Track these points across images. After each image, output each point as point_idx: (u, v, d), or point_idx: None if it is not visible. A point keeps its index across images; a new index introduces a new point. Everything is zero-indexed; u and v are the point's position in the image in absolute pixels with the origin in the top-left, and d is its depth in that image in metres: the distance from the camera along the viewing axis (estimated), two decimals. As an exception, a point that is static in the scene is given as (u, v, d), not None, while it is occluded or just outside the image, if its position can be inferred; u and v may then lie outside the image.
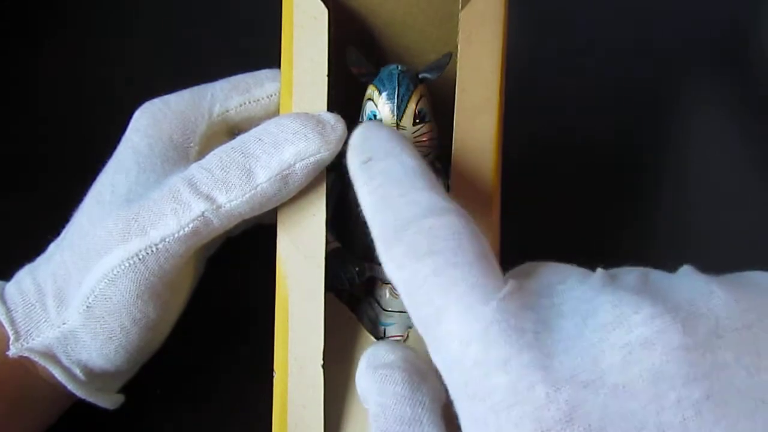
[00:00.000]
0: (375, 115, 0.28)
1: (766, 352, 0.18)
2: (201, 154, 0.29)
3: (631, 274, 0.21)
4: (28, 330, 0.27)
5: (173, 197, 0.26)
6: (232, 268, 0.35)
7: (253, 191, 0.26)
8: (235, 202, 0.26)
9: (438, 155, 0.29)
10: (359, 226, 0.30)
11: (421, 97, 0.28)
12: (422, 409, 0.21)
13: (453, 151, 0.27)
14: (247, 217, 0.27)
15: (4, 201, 0.38)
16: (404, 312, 0.30)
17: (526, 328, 0.19)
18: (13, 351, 0.27)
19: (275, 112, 0.30)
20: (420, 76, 0.28)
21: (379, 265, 0.29)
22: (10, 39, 0.44)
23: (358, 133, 0.24)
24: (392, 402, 0.21)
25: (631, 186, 0.40)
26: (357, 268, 0.29)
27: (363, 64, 0.29)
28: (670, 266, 0.22)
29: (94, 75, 0.42)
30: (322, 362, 0.26)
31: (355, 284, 0.29)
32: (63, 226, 0.29)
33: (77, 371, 0.28)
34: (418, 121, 0.28)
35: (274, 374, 0.27)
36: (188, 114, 0.30)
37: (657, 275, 0.21)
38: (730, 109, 0.43)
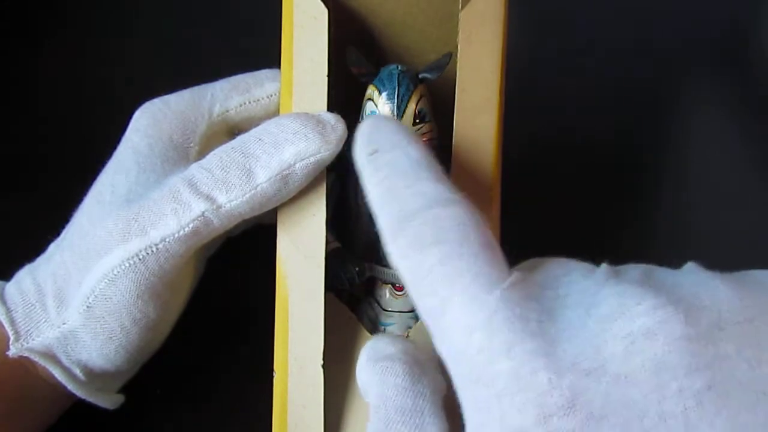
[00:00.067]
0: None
1: (767, 346, 0.18)
2: (201, 154, 0.29)
3: (635, 269, 0.21)
4: (28, 330, 0.27)
5: (173, 197, 0.26)
6: (232, 268, 0.35)
7: (253, 191, 0.26)
8: (235, 202, 0.26)
9: (438, 155, 0.29)
10: (359, 226, 0.30)
11: (421, 97, 0.28)
12: (423, 400, 0.21)
13: (453, 151, 0.27)
14: (247, 217, 0.27)
15: (4, 201, 0.38)
16: (404, 312, 0.30)
17: (530, 317, 0.19)
18: (13, 351, 0.27)
19: (275, 112, 0.30)
20: (420, 76, 0.28)
21: (379, 265, 0.30)
22: (10, 39, 0.44)
23: (365, 125, 0.24)
24: (393, 393, 0.21)
25: (631, 186, 0.40)
26: (357, 268, 0.29)
27: (363, 64, 0.29)
28: (670, 266, 0.22)
29: (94, 75, 0.42)
30: (322, 362, 0.26)
31: (355, 284, 0.29)
32: (63, 226, 0.29)
33: (77, 371, 0.28)
34: (418, 121, 0.28)
35: (274, 374, 0.27)
36: (188, 114, 0.30)
37: (661, 271, 0.21)
38: (730, 109, 0.43)
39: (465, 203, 0.21)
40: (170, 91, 0.31)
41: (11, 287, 0.29)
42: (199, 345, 0.34)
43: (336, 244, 0.29)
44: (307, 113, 0.27)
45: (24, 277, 0.29)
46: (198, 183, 0.26)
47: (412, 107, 0.28)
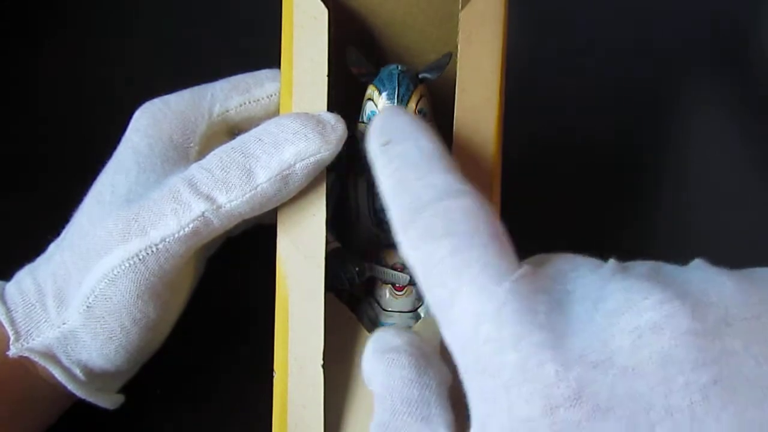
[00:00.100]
0: (375, 115, 0.28)
1: None
2: (201, 154, 0.29)
3: (642, 265, 0.21)
4: (28, 330, 0.27)
5: (173, 197, 0.26)
6: (232, 268, 0.35)
7: (253, 191, 0.26)
8: (235, 202, 0.26)
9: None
10: (359, 226, 0.30)
11: (421, 97, 0.28)
12: (429, 391, 0.21)
13: (453, 151, 0.27)
14: (247, 217, 0.27)
15: (4, 201, 0.38)
16: (404, 312, 0.30)
17: (539, 310, 0.19)
18: (13, 351, 0.27)
19: (275, 112, 0.30)
20: (420, 76, 0.28)
21: (379, 265, 0.30)
22: (10, 39, 0.44)
23: (378, 117, 0.24)
24: (399, 385, 0.21)
25: (631, 186, 0.40)
26: (357, 268, 0.29)
27: (363, 64, 0.29)
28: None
29: (94, 75, 0.42)
30: (322, 362, 0.26)
31: (355, 284, 0.29)
32: (63, 226, 0.29)
33: (77, 371, 0.28)
34: (418, 121, 0.28)
35: (274, 374, 0.27)
36: (188, 114, 0.30)
37: (668, 267, 0.21)
38: (730, 109, 0.43)
39: (476, 195, 0.21)
40: (170, 91, 0.31)
41: (11, 287, 0.29)
42: (199, 345, 0.34)
43: (336, 244, 0.29)
44: (307, 113, 0.27)
45: (24, 277, 0.29)
46: (198, 183, 0.26)
47: (412, 107, 0.28)
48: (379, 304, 0.30)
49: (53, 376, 0.28)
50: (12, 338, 0.27)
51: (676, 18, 0.45)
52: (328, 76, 0.27)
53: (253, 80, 0.31)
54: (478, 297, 0.19)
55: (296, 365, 0.26)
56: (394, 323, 0.30)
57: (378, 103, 0.28)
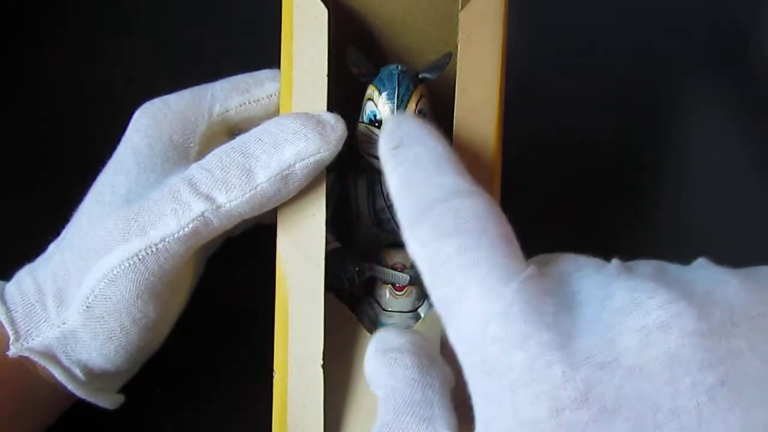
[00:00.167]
0: (375, 115, 0.28)
1: None
2: (201, 154, 0.29)
3: (646, 265, 0.21)
4: (28, 330, 0.27)
5: (173, 197, 0.26)
6: (232, 268, 0.35)
7: (252, 191, 0.26)
8: (235, 202, 0.26)
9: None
10: (359, 226, 0.30)
11: (421, 97, 0.28)
12: (432, 391, 0.21)
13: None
14: (247, 217, 0.27)
15: (4, 201, 0.38)
16: (404, 312, 0.30)
17: (546, 310, 0.19)
18: (13, 351, 0.27)
19: (275, 112, 0.30)
20: (420, 76, 0.28)
21: (380, 265, 0.30)
22: (10, 39, 0.44)
23: (389, 122, 0.24)
24: (402, 385, 0.21)
25: (631, 186, 0.40)
26: (357, 268, 0.29)
27: (363, 64, 0.29)
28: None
29: (94, 75, 0.42)
30: (322, 362, 0.26)
31: (355, 284, 0.29)
32: (63, 226, 0.29)
33: (77, 371, 0.28)
34: (418, 121, 0.28)
35: (274, 374, 0.27)
36: (188, 114, 0.30)
37: (672, 267, 0.21)
38: (730, 109, 0.43)
39: (485, 195, 0.21)
40: (170, 91, 0.31)
41: (11, 287, 0.29)
42: (199, 345, 0.34)
43: (336, 244, 0.29)
44: (307, 113, 0.27)
45: (24, 277, 0.29)
46: (198, 183, 0.26)
47: (412, 107, 0.28)
48: (379, 304, 0.30)
49: (53, 376, 0.28)
50: (12, 338, 0.27)
51: (676, 18, 0.45)
52: (328, 76, 0.27)
53: (253, 80, 0.31)
54: (486, 297, 0.19)
55: (296, 365, 0.26)
56: (394, 323, 0.30)
57: (378, 103, 0.28)
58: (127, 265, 0.26)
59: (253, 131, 0.27)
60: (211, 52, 0.43)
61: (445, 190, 0.21)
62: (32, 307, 0.28)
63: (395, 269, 0.30)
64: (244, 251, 0.35)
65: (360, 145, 0.29)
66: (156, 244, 0.26)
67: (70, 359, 0.28)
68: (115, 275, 0.26)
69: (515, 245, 0.21)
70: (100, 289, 0.26)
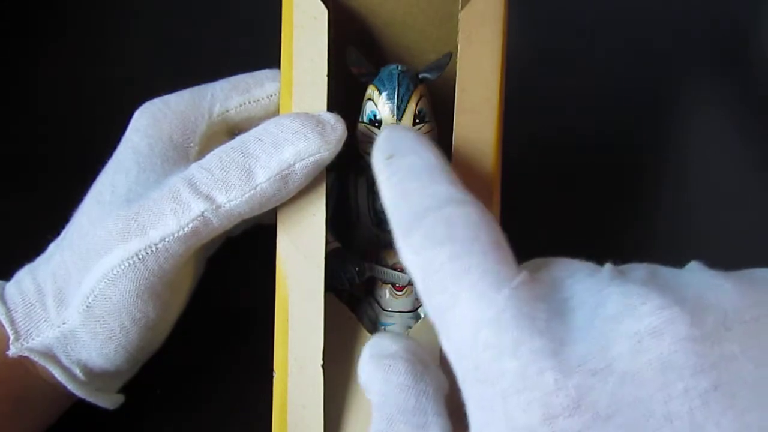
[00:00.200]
0: (375, 115, 0.28)
1: None
2: (201, 154, 0.29)
3: (639, 269, 0.21)
4: (28, 330, 0.27)
5: (173, 197, 0.26)
6: (232, 268, 0.35)
7: (252, 191, 0.26)
8: (234, 202, 0.26)
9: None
10: (359, 226, 0.30)
11: (421, 97, 0.28)
12: (426, 398, 0.21)
13: (453, 151, 0.27)
14: (246, 217, 0.27)
15: (4, 201, 0.38)
16: (404, 312, 0.30)
17: (538, 316, 0.19)
18: (13, 351, 0.27)
19: (275, 112, 0.30)
20: (420, 76, 0.28)
21: (380, 265, 0.30)
22: (10, 39, 0.44)
23: (383, 133, 0.25)
24: (396, 392, 0.21)
25: (631, 186, 0.40)
26: (357, 268, 0.29)
27: (363, 64, 0.29)
28: (671, 266, 0.22)
29: (94, 75, 0.42)
30: (322, 362, 0.26)
31: (355, 284, 0.29)
32: (63, 226, 0.29)
33: (77, 371, 0.28)
34: (418, 121, 0.28)
35: (274, 374, 0.27)
36: (188, 114, 0.30)
37: (665, 270, 0.21)
38: (730, 109, 0.43)
39: (477, 204, 0.21)
40: (170, 91, 0.31)
41: (11, 287, 0.29)
42: (199, 345, 0.34)
43: (336, 244, 0.29)
44: (306, 113, 0.27)
45: (24, 276, 0.29)
46: (198, 183, 0.26)
47: (412, 107, 0.28)
48: (379, 304, 0.30)
49: (53, 376, 0.28)
50: (12, 338, 0.27)
51: (676, 18, 0.45)
52: (328, 76, 0.27)
53: (253, 80, 0.31)
54: (478, 303, 0.19)
55: (296, 365, 0.26)
56: (394, 323, 0.30)
57: (378, 103, 0.28)
58: (126, 264, 0.26)
59: (253, 131, 0.27)
60: (211, 52, 0.43)
61: (437, 198, 0.21)
62: (32, 307, 0.28)
63: (395, 269, 0.30)
64: (244, 251, 0.35)
65: (360, 145, 0.29)
66: (156, 244, 0.26)
67: (70, 359, 0.28)
68: (115, 275, 0.26)
69: (508, 252, 0.21)
70: (100, 288, 0.26)
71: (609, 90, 0.43)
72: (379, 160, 0.24)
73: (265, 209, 0.27)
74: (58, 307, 0.27)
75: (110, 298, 0.26)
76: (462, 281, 0.19)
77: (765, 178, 0.40)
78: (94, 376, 0.29)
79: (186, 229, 0.26)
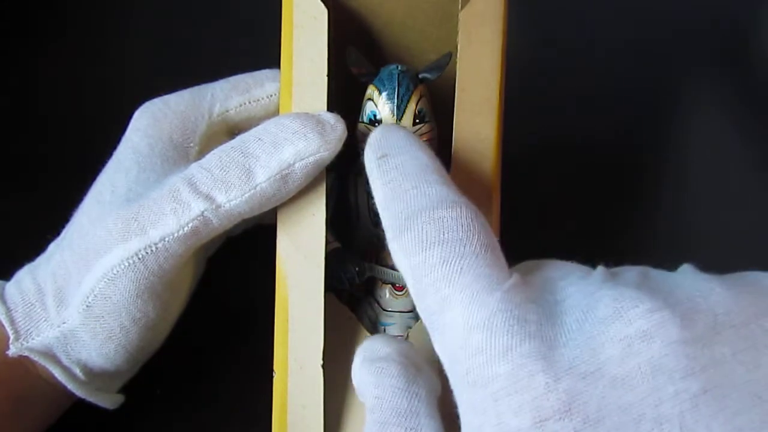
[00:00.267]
0: (375, 115, 0.28)
1: (763, 349, 0.18)
2: (201, 154, 0.29)
3: (631, 271, 0.21)
4: (28, 329, 0.27)
5: (173, 197, 0.26)
6: (232, 268, 0.35)
7: (252, 191, 0.26)
8: (234, 201, 0.26)
9: (438, 155, 0.29)
10: (359, 226, 0.30)
11: (421, 97, 0.28)
12: (418, 401, 0.21)
13: (453, 151, 0.27)
14: (246, 216, 0.27)
15: (4, 201, 0.38)
16: (404, 312, 0.30)
17: (529, 320, 0.19)
18: (12, 350, 0.27)
19: (275, 112, 0.30)
20: (420, 76, 0.28)
21: (379, 265, 0.30)
22: (10, 39, 0.44)
23: (376, 132, 0.25)
24: (389, 395, 0.21)
25: (631, 186, 0.40)
26: (357, 268, 0.29)
27: (363, 64, 0.29)
28: (670, 266, 0.22)
29: (94, 75, 0.42)
30: (322, 362, 0.26)
31: (355, 284, 0.29)
32: (63, 226, 0.29)
33: (77, 371, 0.28)
34: (418, 121, 0.28)
35: (274, 374, 0.27)
36: (188, 114, 0.30)
37: (657, 273, 0.21)
38: (730, 109, 0.43)
39: (470, 206, 0.21)
40: (170, 91, 0.31)
41: (11, 287, 0.29)
42: (199, 345, 0.34)
43: (336, 244, 0.29)
44: (306, 113, 0.27)
45: (24, 276, 0.29)
46: (197, 182, 0.26)
47: (412, 107, 0.28)
48: (379, 304, 0.30)
49: (53, 376, 0.28)
50: (12, 338, 0.27)
51: (676, 18, 0.45)
52: (328, 76, 0.27)
53: (253, 80, 0.31)
54: (469, 306, 0.19)
55: (296, 365, 0.26)
56: (394, 323, 0.30)
57: (378, 103, 0.28)
58: (126, 264, 0.26)
59: (253, 131, 0.27)
60: (211, 52, 0.43)
61: (429, 199, 0.21)
62: (32, 307, 0.28)
63: (395, 269, 0.30)
64: (244, 251, 0.35)
65: (360, 145, 0.29)
66: (156, 244, 0.26)
67: (70, 359, 0.28)
68: (114, 275, 0.26)
69: (500, 254, 0.21)
70: (99, 288, 0.26)
71: (609, 90, 0.43)
72: (371, 160, 0.24)
73: (265, 209, 0.27)
74: (58, 306, 0.27)
75: (110, 297, 0.26)
76: (454, 284, 0.20)
77: (765, 178, 0.40)
78: (94, 376, 0.29)
79: (186, 228, 0.26)
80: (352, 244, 0.30)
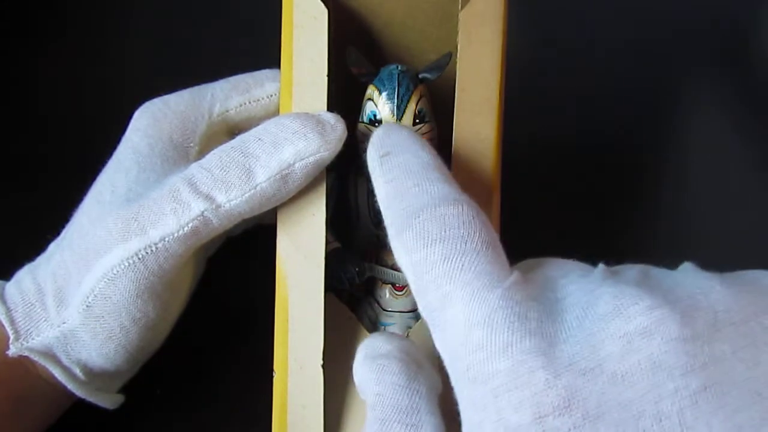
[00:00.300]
0: (375, 115, 0.28)
1: (763, 346, 0.18)
2: (201, 154, 0.29)
3: (631, 270, 0.21)
4: (28, 329, 0.27)
5: (173, 197, 0.26)
6: (232, 268, 0.35)
7: (252, 191, 0.26)
8: (234, 201, 0.26)
9: (438, 155, 0.29)
10: (359, 226, 0.30)
11: (421, 97, 0.28)
12: (419, 398, 0.21)
13: (453, 151, 0.27)
14: (246, 216, 0.27)
15: (4, 201, 0.38)
16: (404, 312, 0.30)
17: (530, 316, 0.19)
18: (12, 350, 0.27)
19: (275, 112, 0.30)
20: (420, 76, 0.28)
21: (380, 265, 0.30)
22: (10, 39, 0.44)
23: (378, 131, 0.25)
24: (390, 391, 0.21)
25: (631, 186, 0.40)
26: (357, 268, 0.29)
27: (363, 64, 0.29)
28: (671, 266, 0.22)
29: (94, 75, 0.42)
30: (322, 362, 0.26)
31: (355, 284, 0.29)
32: (63, 226, 0.29)
33: (77, 371, 0.28)
34: (418, 121, 0.28)
35: (274, 374, 0.27)
36: (188, 114, 0.30)
37: (657, 271, 0.21)
38: (730, 109, 0.43)
39: (471, 203, 0.21)
40: (170, 91, 0.31)
41: (11, 287, 0.29)
42: (199, 345, 0.34)
43: (336, 244, 0.29)
44: (306, 113, 0.27)
45: (24, 276, 0.29)
46: (197, 182, 0.26)
47: (412, 107, 0.28)
48: (379, 304, 0.30)
49: (53, 376, 0.28)
50: (12, 338, 0.27)
51: (676, 18, 0.45)
52: (328, 76, 0.27)
53: (253, 80, 0.32)
54: (470, 302, 0.19)
55: (296, 365, 0.26)
56: (394, 323, 0.30)
57: (378, 103, 0.28)
58: (126, 264, 0.26)
59: (253, 131, 0.27)
60: (211, 52, 0.43)
61: (431, 197, 0.21)
62: (32, 307, 0.28)
63: (395, 269, 0.30)
64: (244, 251, 0.35)
65: (360, 145, 0.29)
66: (156, 244, 0.26)
67: (70, 359, 0.28)
68: (114, 274, 0.26)
69: (501, 252, 0.21)
70: (100, 288, 0.26)
71: (609, 90, 0.43)
72: (373, 158, 0.24)
73: (265, 209, 0.27)
74: (58, 306, 0.27)
75: (110, 297, 0.26)
76: (455, 281, 0.20)
77: (765, 178, 0.40)
78: (94, 376, 0.29)
79: (186, 228, 0.26)
80: (352, 244, 0.30)
